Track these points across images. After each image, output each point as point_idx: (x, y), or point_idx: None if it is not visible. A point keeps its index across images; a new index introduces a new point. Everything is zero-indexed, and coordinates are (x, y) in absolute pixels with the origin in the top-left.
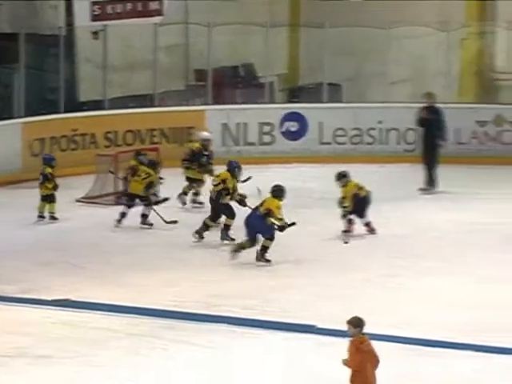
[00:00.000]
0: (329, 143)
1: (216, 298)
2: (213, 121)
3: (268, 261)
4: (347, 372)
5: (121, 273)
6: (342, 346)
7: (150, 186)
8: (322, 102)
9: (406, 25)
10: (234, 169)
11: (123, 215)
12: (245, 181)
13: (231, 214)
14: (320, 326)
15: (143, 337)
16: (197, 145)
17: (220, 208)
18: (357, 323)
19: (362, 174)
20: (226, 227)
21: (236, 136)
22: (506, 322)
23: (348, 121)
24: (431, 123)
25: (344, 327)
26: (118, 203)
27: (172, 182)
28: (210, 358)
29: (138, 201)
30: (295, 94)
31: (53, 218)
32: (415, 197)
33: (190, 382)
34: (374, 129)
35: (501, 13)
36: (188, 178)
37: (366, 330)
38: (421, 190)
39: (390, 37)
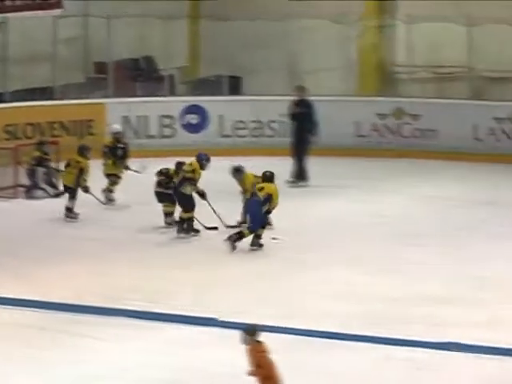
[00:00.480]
0: (229, 136)
1: (118, 291)
2: (114, 114)
3: (261, 245)
4: (246, 365)
5: (26, 266)
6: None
7: (82, 172)
8: (222, 95)
9: (307, 18)
10: (202, 161)
11: (68, 209)
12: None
13: (191, 207)
14: (221, 318)
15: (44, 331)
16: (108, 139)
17: (178, 196)
18: (253, 331)
19: (261, 167)
20: (182, 220)
21: (137, 129)
22: (403, 314)
23: (248, 113)
24: (303, 117)
25: (244, 319)
26: (29, 197)
27: None
28: (113, 351)
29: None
30: (196, 86)
31: None
32: (309, 190)
33: (94, 375)
34: (274, 121)
35: (400, 7)
36: (107, 175)
37: (260, 321)
38: (289, 182)
39: (292, 30)
